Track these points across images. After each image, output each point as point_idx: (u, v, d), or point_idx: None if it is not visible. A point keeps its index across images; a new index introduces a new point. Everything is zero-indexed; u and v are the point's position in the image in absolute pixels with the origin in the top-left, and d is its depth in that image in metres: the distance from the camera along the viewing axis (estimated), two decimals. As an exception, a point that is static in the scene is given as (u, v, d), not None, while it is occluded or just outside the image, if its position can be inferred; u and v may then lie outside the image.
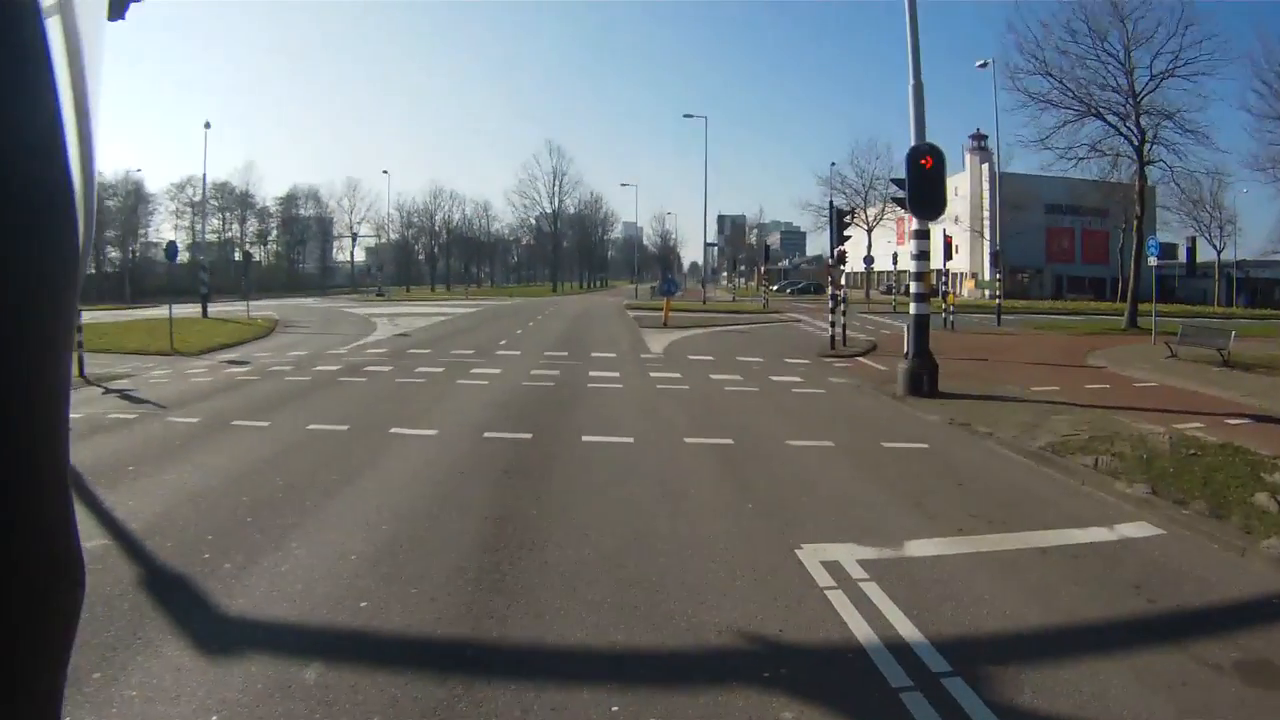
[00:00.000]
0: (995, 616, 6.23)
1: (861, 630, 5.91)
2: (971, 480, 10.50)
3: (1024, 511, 9.12)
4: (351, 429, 13.52)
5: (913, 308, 18.57)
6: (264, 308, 55.30)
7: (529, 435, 13.00)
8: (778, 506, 9.17)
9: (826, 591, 6.66)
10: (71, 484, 0.91)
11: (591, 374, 21.39)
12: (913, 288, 18.94)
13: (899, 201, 19.08)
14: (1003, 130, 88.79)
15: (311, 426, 13.72)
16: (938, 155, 17.75)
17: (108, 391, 18.45)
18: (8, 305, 0.79)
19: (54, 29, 0.88)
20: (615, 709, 4.81)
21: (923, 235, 18.63)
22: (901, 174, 18.04)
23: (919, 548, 7.80)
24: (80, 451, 11.82)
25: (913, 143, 18.14)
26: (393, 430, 13.39)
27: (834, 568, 7.18)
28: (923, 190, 17.67)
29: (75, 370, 20.22)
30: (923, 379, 17.57)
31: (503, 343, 31.16)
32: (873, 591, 6.64)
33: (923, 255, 18.57)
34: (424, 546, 7.72)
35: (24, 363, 0.81)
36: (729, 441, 12.71)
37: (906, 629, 5.94)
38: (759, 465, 11.18)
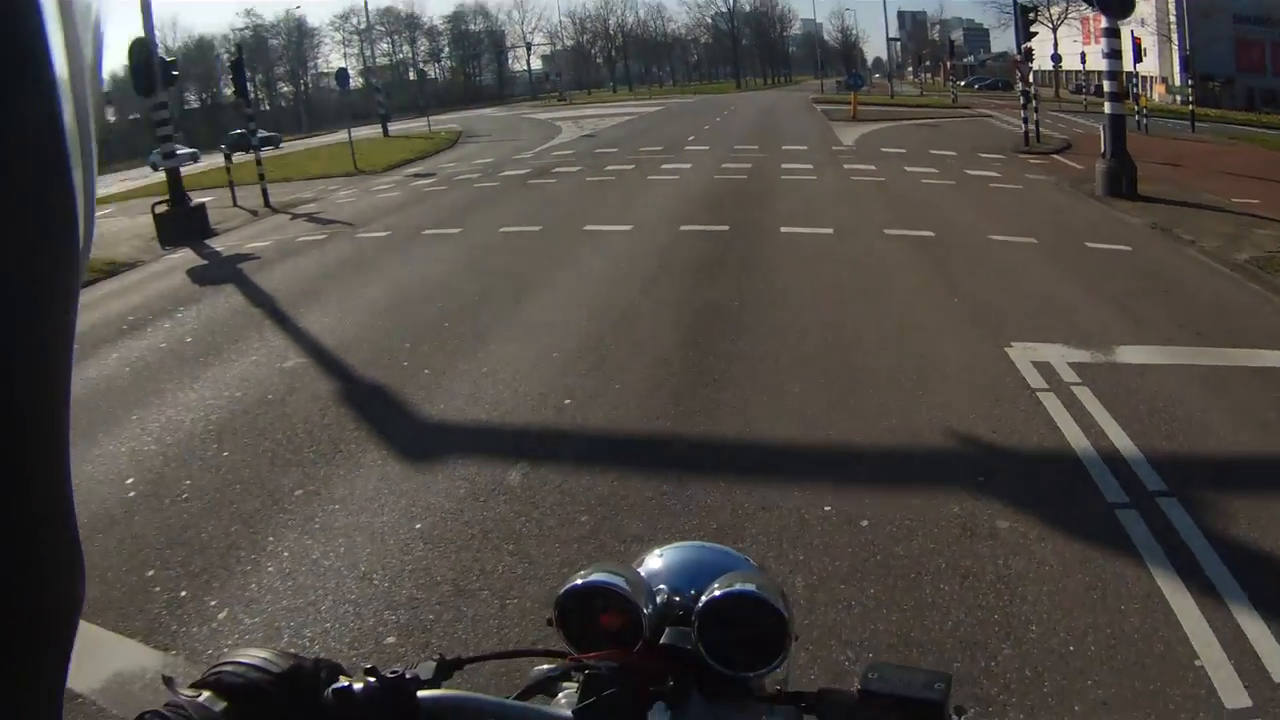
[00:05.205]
0: (1209, 436, 5.87)
1: (1075, 437, 5.73)
2: (1177, 288, 9.93)
3: (1233, 327, 8.44)
4: (545, 229, 13.73)
5: (1108, 107, 17.61)
6: (445, 121, 55.59)
7: (725, 227, 12.96)
8: (984, 302, 8.99)
9: (1039, 393, 6.49)
10: (70, 476, 0.89)
11: (784, 166, 21.10)
12: (1106, 86, 18.05)
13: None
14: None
15: (504, 229, 13.98)
16: (1125, -51, 16.60)
17: (295, 217, 18.97)
18: (7, 303, 0.75)
19: (54, 26, 0.82)
20: (828, 509, 4.80)
21: (1113, 34, 17.59)
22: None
23: (1128, 354, 7.47)
24: (272, 276, 12.33)
25: (1099, -64, 16.95)
26: (587, 227, 13.55)
27: (1045, 369, 6.97)
28: (1110, -14, 16.61)
29: (260, 201, 20.57)
30: (1121, 180, 16.72)
31: (690, 139, 30.87)
32: (1085, 397, 6.40)
33: (1114, 54, 17.62)
34: (626, 341, 7.85)
35: (24, 360, 0.78)
36: (929, 234, 12.45)
37: (1121, 440, 5.68)
38: (961, 260, 10.95)
